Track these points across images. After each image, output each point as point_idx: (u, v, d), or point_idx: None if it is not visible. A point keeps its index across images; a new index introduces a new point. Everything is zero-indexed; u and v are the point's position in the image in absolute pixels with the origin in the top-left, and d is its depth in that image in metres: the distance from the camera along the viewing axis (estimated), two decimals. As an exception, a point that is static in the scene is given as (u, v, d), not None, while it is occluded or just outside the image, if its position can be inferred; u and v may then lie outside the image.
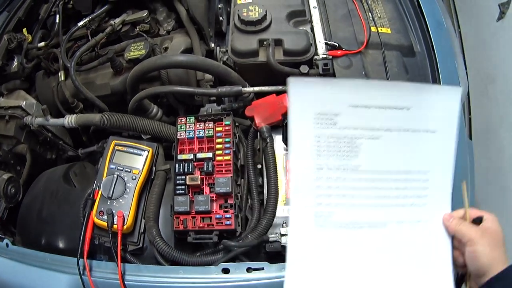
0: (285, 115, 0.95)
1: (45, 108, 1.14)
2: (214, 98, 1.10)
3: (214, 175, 0.91)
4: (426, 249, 0.55)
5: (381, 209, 0.54)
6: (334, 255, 0.52)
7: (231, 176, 0.90)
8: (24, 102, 1.25)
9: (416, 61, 1.14)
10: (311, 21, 1.17)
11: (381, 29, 1.16)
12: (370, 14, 1.18)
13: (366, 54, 1.12)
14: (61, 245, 1.05)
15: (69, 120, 1.10)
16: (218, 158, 0.92)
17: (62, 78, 1.19)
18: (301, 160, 0.54)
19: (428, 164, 0.56)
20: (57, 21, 1.28)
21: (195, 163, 0.93)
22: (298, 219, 0.52)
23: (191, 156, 0.93)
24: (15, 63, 1.38)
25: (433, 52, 1.12)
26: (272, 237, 0.90)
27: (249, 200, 0.99)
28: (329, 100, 0.54)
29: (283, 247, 0.90)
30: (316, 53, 1.09)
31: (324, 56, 1.08)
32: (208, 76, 1.09)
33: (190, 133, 0.94)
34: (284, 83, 1.07)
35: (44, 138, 1.25)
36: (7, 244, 1.05)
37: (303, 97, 0.54)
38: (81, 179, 1.11)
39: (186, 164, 0.92)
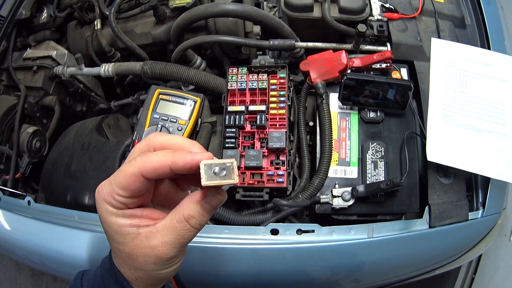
0: (342, 72, 0.90)
1: (80, 57, 1.07)
2: (261, 52, 1.04)
3: (267, 129, 0.85)
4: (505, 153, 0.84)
5: (478, 120, 0.84)
6: (453, 139, 0.83)
7: (286, 131, 0.84)
8: (55, 52, 1.20)
9: (467, 34, 1.11)
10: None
11: (434, -2, 1.13)
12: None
13: (420, 20, 1.08)
14: (90, 201, 1.00)
15: (106, 69, 1.04)
16: (271, 111, 0.86)
17: (99, 27, 1.12)
18: (436, 84, 0.86)
19: (503, 99, 0.87)
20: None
21: (247, 116, 0.87)
22: (433, 117, 0.83)
23: (242, 108, 0.87)
24: (45, 14, 1.32)
25: (484, 27, 1.10)
26: (323, 198, 0.84)
27: (297, 158, 0.94)
28: (454, 53, 0.89)
29: (334, 210, 0.85)
30: (371, 14, 1.04)
31: (380, 17, 1.03)
32: (256, 29, 1.02)
33: (242, 84, 0.88)
34: (337, 41, 1.05)
35: (75, 89, 1.19)
36: (29, 202, 0.99)
37: (442, 51, 0.90)
38: (115, 132, 1.05)
39: (237, 116, 0.86)
